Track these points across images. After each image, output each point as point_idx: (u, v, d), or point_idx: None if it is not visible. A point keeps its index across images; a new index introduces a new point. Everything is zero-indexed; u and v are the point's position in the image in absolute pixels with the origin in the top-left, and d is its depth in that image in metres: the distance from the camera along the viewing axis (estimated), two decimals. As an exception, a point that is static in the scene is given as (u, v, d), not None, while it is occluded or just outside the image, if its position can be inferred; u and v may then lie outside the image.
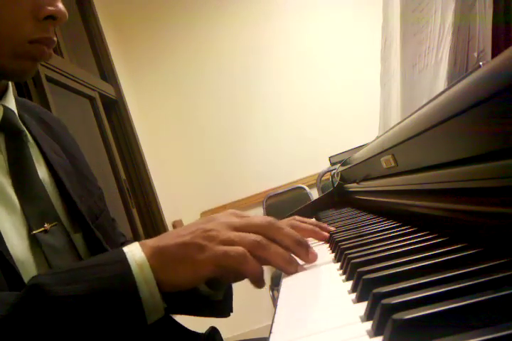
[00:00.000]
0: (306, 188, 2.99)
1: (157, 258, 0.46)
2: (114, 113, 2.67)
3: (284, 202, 2.96)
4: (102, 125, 2.35)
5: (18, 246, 0.56)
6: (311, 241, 0.75)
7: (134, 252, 0.47)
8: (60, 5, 0.59)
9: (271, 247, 0.50)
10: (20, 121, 0.65)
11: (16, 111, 0.65)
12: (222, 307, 0.68)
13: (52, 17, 0.58)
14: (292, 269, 0.53)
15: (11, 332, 0.40)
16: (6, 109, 0.62)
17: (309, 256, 0.55)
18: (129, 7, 3.18)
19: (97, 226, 0.69)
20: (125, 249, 0.47)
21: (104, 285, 0.43)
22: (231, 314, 0.70)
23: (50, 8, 0.58)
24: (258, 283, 0.49)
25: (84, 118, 2.27)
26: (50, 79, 1.83)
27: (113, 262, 0.45)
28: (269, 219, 0.54)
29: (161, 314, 0.47)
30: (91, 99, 2.32)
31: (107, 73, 2.65)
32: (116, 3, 3.12)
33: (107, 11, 2.92)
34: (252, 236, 0.49)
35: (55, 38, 0.60)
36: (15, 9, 0.56)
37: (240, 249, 0.47)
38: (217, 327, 0.74)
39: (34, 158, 0.65)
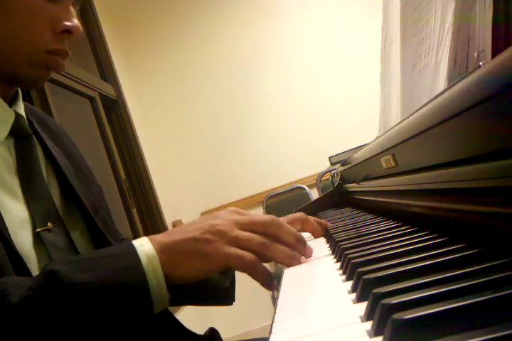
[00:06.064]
0: (306, 188, 2.99)
1: (166, 253, 0.48)
2: (114, 113, 2.67)
3: (284, 202, 2.96)
4: (102, 125, 2.35)
5: (25, 242, 0.59)
6: (308, 240, 0.76)
7: (145, 246, 0.48)
8: (76, 21, 0.65)
9: (275, 247, 0.53)
10: (28, 125, 0.68)
11: (24, 116, 0.68)
12: (228, 294, 0.72)
13: (68, 31, 0.64)
14: (295, 263, 0.56)
15: (27, 316, 0.42)
16: (17, 115, 0.66)
17: (307, 251, 0.59)
18: (129, 8, 3.18)
19: (98, 218, 0.72)
20: (135, 242, 0.49)
21: (116, 276, 0.45)
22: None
23: (67, 23, 0.63)
24: (269, 286, 0.52)
25: (85, 118, 2.27)
26: (50, 79, 1.83)
27: (124, 254, 0.48)
28: (271, 216, 0.57)
29: (166, 305, 0.49)
30: (91, 99, 2.32)
31: (107, 73, 2.65)
32: (116, 3, 3.12)
33: (107, 11, 2.91)
34: (258, 238, 0.52)
35: (69, 51, 0.65)
36: (36, 21, 0.61)
37: (252, 256, 0.50)
38: (218, 327, 0.76)
39: (40, 159, 0.68)
